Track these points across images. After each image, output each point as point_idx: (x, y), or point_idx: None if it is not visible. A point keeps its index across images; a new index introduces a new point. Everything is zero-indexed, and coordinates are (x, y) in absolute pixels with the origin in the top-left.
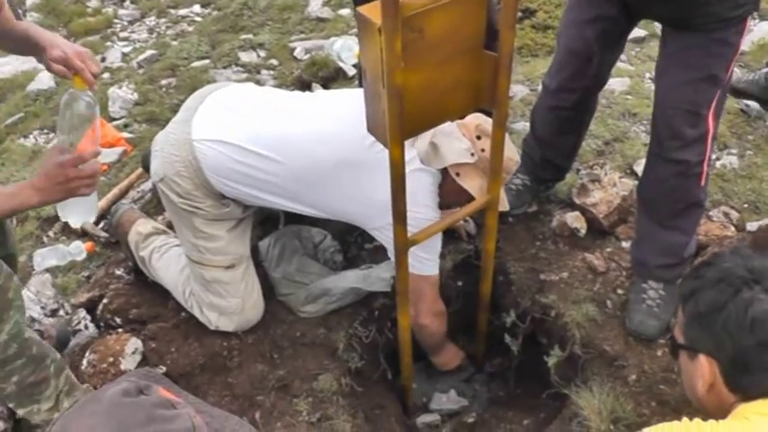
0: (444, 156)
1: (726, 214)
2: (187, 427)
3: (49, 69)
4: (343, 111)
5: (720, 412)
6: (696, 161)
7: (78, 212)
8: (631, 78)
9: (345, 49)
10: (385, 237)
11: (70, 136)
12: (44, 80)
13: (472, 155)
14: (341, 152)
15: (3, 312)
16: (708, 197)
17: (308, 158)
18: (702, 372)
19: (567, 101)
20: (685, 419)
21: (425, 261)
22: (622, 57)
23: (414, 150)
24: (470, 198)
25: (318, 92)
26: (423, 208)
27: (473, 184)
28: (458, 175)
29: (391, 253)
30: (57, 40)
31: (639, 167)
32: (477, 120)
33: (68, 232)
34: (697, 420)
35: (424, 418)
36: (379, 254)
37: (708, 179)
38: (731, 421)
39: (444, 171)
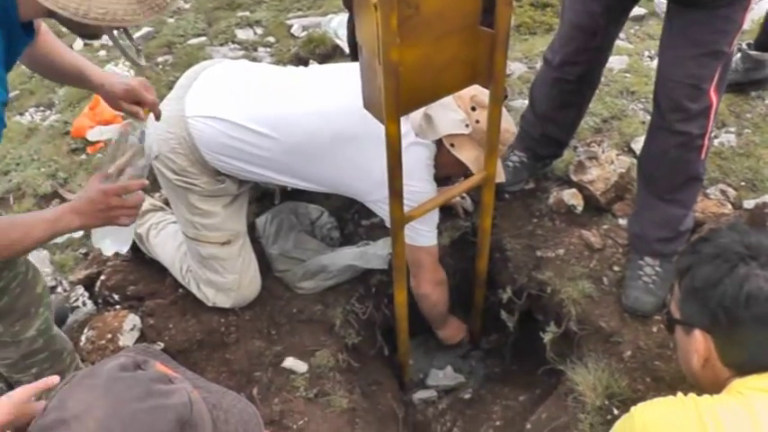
0: (438, 127)
1: (723, 192)
2: (184, 401)
3: (114, 106)
4: (339, 85)
5: (715, 387)
6: (698, 134)
7: (113, 241)
8: (630, 56)
9: (342, 26)
10: (382, 210)
11: (134, 169)
12: None
13: (467, 126)
14: (338, 126)
15: (34, 308)
16: (706, 173)
17: (304, 133)
18: (697, 347)
19: (570, 74)
20: (680, 394)
21: (423, 233)
22: (621, 35)
23: (408, 124)
24: (466, 170)
25: (313, 66)
26: (419, 182)
27: (468, 155)
28: (452, 146)
29: (388, 224)
30: (111, 76)
31: (637, 145)
32: (472, 91)
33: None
34: (692, 395)
35: (420, 394)
36: (375, 230)
37: (708, 153)
38: (725, 396)
39: (439, 143)
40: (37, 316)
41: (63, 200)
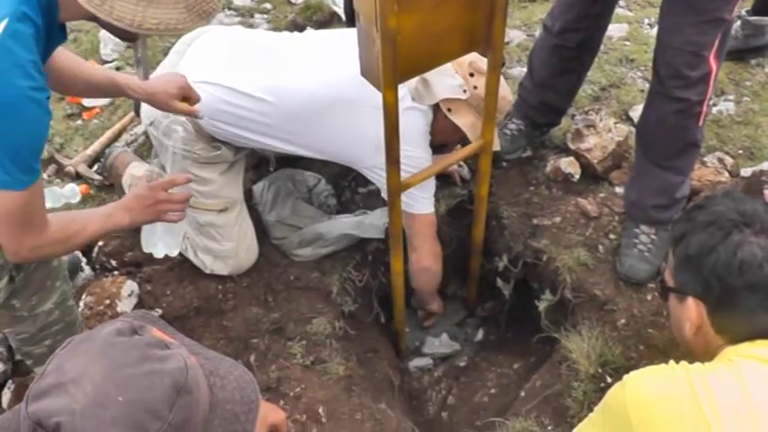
0: (435, 91)
1: (720, 160)
2: (180, 367)
3: (166, 108)
4: (336, 50)
5: (707, 355)
6: (697, 100)
7: (164, 244)
8: (630, 24)
9: None
10: (377, 176)
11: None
12: None
13: (464, 91)
14: (334, 92)
15: (50, 281)
16: (704, 140)
17: (301, 99)
18: (690, 314)
19: (570, 41)
20: (672, 362)
21: (421, 199)
22: (621, 2)
23: (405, 88)
24: (462, 136)
25: (309, 32)
26: (415, 147)
27: (465, 120)
28: (449, 111)
29: (384, 193)
30: (151, 81)
31: (635, 113)
32: (471, 57)
33: (62, 174)
34: (683, 363)
35: (416, 362)
36: (372, 198)
37: (706, 120)
38: (717, 363)
39: (436, 108)
40: (54, 289)
41: (59, 165)
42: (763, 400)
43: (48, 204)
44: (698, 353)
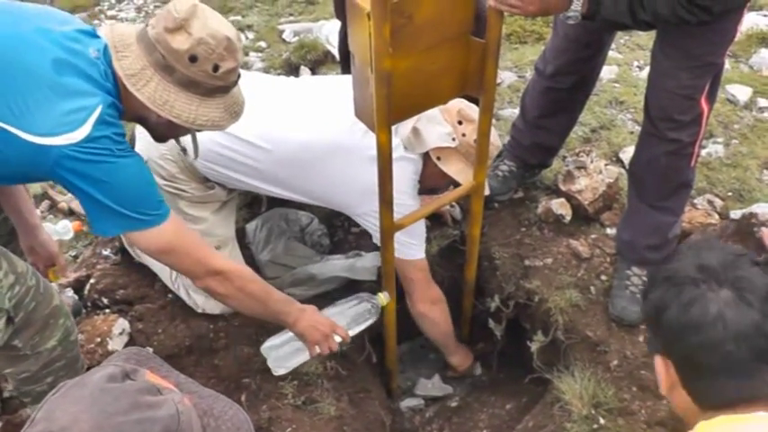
0: (425, 140)
1: (710, 202)
2: (171, 413)
3: (29, 253)
4: (329, 98)
5: (688, 414)
6: (689, 141)
7: (284, 366)
8: (620, 66)
9: (334, 33)
10: (368, 223)
11: (348, 321)
12: None
13: (453, 139)
14: (327, 140)
15: (53, 320)
16: (695, 181)
17: (295, 146)
18: (659, 371)
19: (563, 83)
20: None
21: (410, 245)
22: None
23: (398, 138)
24: (451, 182)
25: (305, 78)
26: (402, 195)
27: (454, 168)
28: (438, 159)
29: (376, 239)
30: (45, 233)
31: (625, 155)
32: (459, 105)
33: (55, 211)
34: None
35: (408, 402)
36: (365, 238)
37: (697, 160)
38: None
39: (426, 156)
40: (57, 327)
41: (52, 201)
42: None
43: None
44: (680, 411)
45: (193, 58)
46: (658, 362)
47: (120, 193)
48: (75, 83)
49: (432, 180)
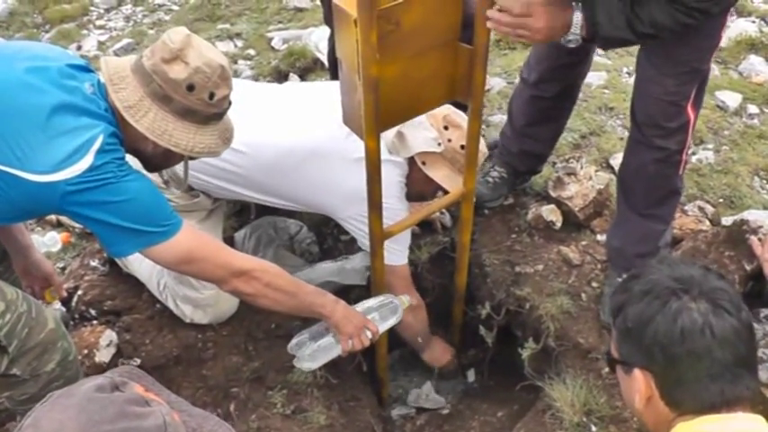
0: (410, 144)
1: (701, 209)
2: (158, 424)
3: (25, 275)
4: (313, 103)
5: (661, 427)
6: (676, 149)
7: (314, 362)
8: (608, 72)
9: (323, 40)
10: (353, 227)
11: (382, 317)
12: None
13: (439, 144)
14: (309, 145)
15: (51, 344)
16: (684, 188)
17: (277, 152)
18: (638, 386)
19: (547, 92)
20: None
21: (394, 251)
22: (599, 51)
23: (382, 141)
24: (438, 188)
25: (290, 83)
26: (389, 199)
27: (439, 173)
28: (424, 164)
29: (361, 243)
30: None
31: (615, 161)
32: (445, 110)
33: (43, 223)
34: None
35: (399, 410)
36: (354, 245)
37: (685, 168)
38: None
39: (411, 160)
40: (55, 350)
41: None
42: None
43: None
44: (652, 425)
45: (191, 87)
46: (637, 376)
47: (129, 210)
48: (74, 120)
49: (418, 185)
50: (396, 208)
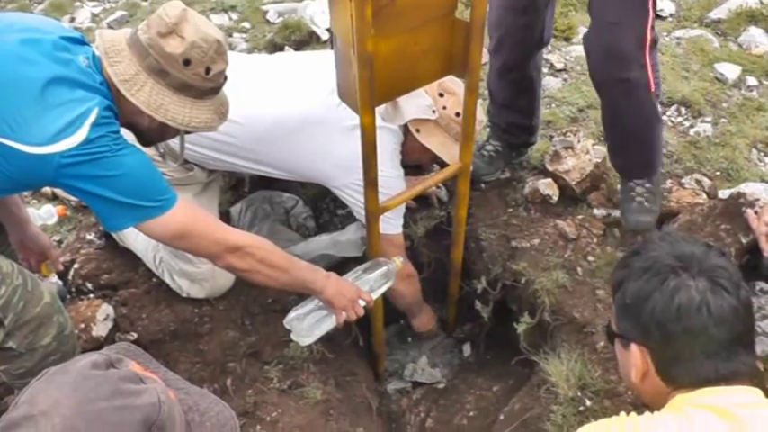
0: (404, 112)
1: (698, 181)
2: (153, 402)
3: (21, 249)
4: (306, 72)
5: (657, 401)
6: (639, 75)
7: (311, 336)
8: None
9: (318, 13)
10: (348, 196)
11: (369, 285)
12: None
13: (433, 111)
14: (303, 114)
15: (47, 318)
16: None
17: (271, 121)
18: (635, 360)
19: (505, 60)
20: (622, 414)
21: (389, 221)
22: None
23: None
24: (434, 157)
25: (280, 54)
26: (384, 167)
27: (434, 141)
28: (418, 131)
29: (356, 213)
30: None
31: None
32: None
33: (39, 195)
34: (633, 414)
35: (395, 385)
36: (350, 219)
37: (658, 86)
38: (664, 414)
39: (406, 128)
40: (51, 324)
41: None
42: None
43: None
44: (648, 399)
45: (187, 62)
46: (634, 351)
47: (125, 185)
48: (69, 92)
49: (413, 154)
50: (390, 176)
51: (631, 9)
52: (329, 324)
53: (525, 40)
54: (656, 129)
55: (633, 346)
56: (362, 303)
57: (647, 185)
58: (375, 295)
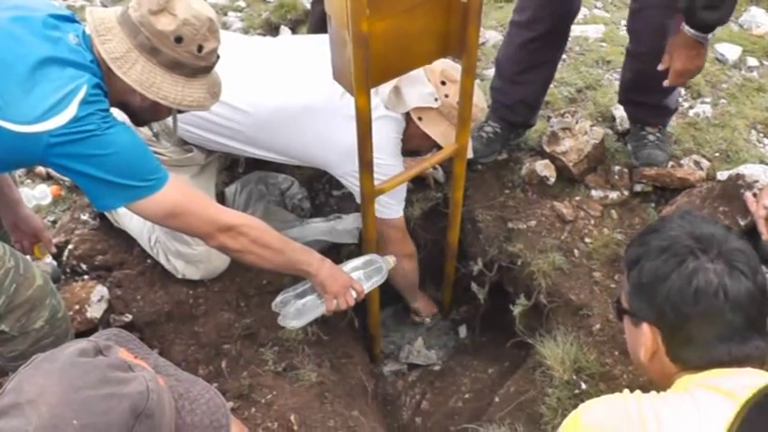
0: (407, 100)
1: (697, 162)
2: (140, 390)
3: (12, 230)
4: (308, 57)
5: (664, 380)
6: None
7: (299, 321)
8: (606, 26)
9: None
10: (350, 183)
11: (367, 277)
12: None
13: (436, 100)
14: (305, 100)
15: (39, 301)
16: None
17: (273, 107)
18: (645, 340)
19: (538, 32)
20: (626, 391)
21: (390, 205)
22: (598, 3)
23: (378, 97)
24: (434, 144)
25: (284, 37)
26: (384, 155)
27: (436, 129)
28: (420, 119)
29: (358, 199)
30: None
31: (619, 112)
32: (443, 65)
33: (33, 175)
34: (637, 392)
35: (390, 367)
36: (346, 201)
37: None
38: (671, 393)
39: (408, 116)
40: (44, 307)
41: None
42: None
43: None
44: (655, 377)
45: (179, 39)
46: (645, 330)
47: (115, 164)
48: (58, 70)
49: (414, 141)
50: (390, 164)
51: None
52: (319, 310)
53: (557, 14)
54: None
55: (644, 326)
56: (354, 295)
57: (659, 134)
58: (366, 289)
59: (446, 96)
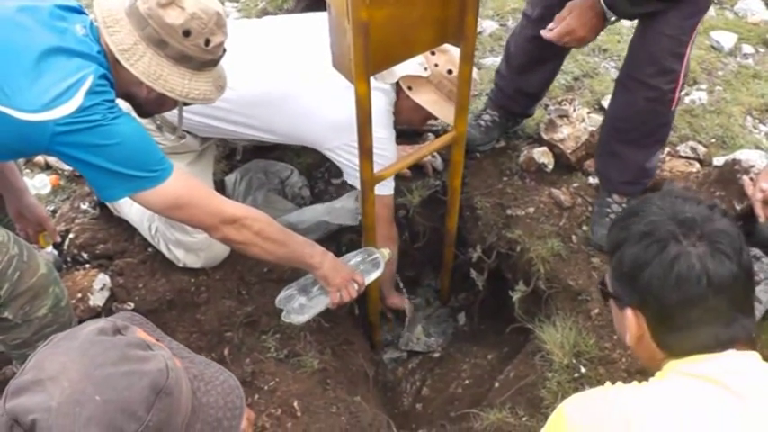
0: (395, 69)
1: (693, 149)
2: (160, 368)
3: (18, 219)
4: (296, 34)
5: (653, 363)
6: (669, 89)
7: (303, 315)
8: None
9: None
10: (341, 158)
11: (365, 270)
12: None
13: (425, 69)
14: (293, 77)
15: (42, 288)
16: (676, 131)
17: (261, 85)
18: (630, 324)
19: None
20: (608, 383)
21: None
22: None
23: None
24: (426, 116)
25: (268, 18)
26: (377, 128)
27: (426, 98)
28: (410, 89)
29: (347, 175)
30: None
31: (607, 102)
32: None
33: (32, 165)
34: (619, 383)
35: (391, 354)
36: (346, 189)
37: (678, 102)
38: (653, 383)
39: (398, 87)
40: (47, 296)
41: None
42: (698, 423)
43: None
44: (644, 360)
45: (187, 33)
46: (629, 315)
47: (120, 154)
48: (65, 60)
49: (406, 112)
50: (383, 137)
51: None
52: (322, 304)
53: None
54: (660, 143)
55: (628, 311)
56: (356, 287)
57: (624, 206)
58: (366, 281)
59: (435, 66)
